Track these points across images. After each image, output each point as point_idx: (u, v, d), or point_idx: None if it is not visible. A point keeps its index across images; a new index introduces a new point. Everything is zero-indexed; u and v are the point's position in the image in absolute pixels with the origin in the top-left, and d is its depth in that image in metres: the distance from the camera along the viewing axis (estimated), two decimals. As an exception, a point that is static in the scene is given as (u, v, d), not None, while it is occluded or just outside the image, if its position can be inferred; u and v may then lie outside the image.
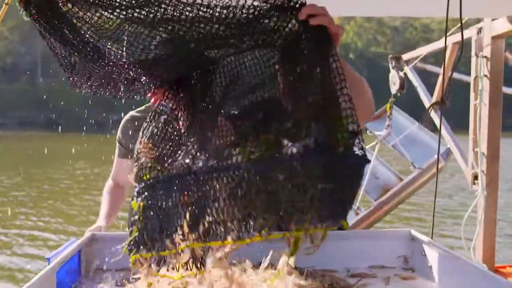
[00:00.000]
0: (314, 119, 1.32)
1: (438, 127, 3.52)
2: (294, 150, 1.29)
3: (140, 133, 1.53)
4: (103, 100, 1.52)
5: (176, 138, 1.47)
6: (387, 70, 5.12)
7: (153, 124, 1.50)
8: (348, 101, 1.30)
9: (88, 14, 1.30)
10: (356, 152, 1.32)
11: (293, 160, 1.27)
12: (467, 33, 3.53)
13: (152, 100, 1.59)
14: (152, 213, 1.40)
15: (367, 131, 5.04)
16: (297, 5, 1.38)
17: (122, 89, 1.49)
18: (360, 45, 52.30)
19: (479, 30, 3.56)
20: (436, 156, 3.96)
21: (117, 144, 2.40)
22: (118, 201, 2.38)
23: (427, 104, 4.46)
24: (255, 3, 1.34)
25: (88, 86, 1.47)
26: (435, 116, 4.28)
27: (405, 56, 5.05)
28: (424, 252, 1.81)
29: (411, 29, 53.37)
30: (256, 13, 1.35)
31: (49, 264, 1.57)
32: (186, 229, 1.31)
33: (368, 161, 1.37)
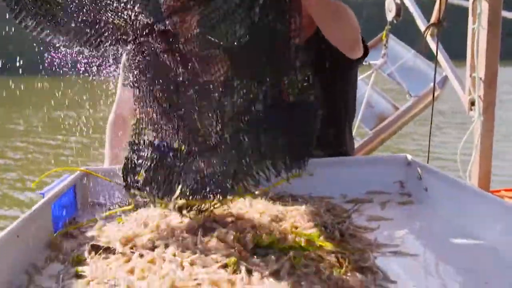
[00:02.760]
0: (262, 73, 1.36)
1: (435, 52, 3.45)
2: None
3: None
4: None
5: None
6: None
7: None
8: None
9: None
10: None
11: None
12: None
13: None
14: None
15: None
16: None
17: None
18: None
19: (478, -51, 3.41)
20: (432, 85, 3.92)
21: (121, 71, 2.06)
22: (122, 137, 2.28)
23: (423, 29, 4.35)
24: None
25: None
26: (431, 42, 4.18)
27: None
28: (420, 176, 1.81)
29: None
30: None
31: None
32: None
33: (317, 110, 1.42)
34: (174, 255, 1.27)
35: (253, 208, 1.55)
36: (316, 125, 1.39)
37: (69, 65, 1.50)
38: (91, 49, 1.38)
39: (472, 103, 3.43)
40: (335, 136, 2.14)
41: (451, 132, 9.49)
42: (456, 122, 10.07)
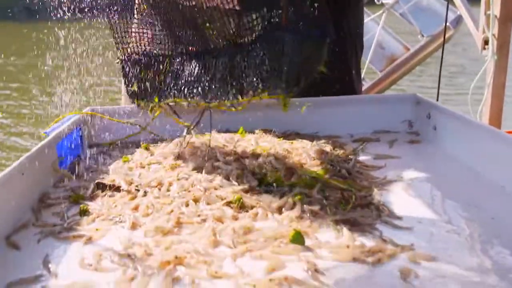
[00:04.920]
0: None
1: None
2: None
3: None
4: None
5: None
6: None
7: None
8: None
9: None
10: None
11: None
12: None
13: None
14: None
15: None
16: None
17: None
18: None
19: None
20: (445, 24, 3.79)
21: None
22: None
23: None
24: None
25: None
26: (446, -21, 4.02)
27: None
28: (429, 114, 1.77)
29: None
30: None
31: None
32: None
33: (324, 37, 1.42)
34: (179, 192, 1.27)
35: (259, 146, 1.53)
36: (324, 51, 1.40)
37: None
38: None
39: (486, 42, 3.32)
40: (341, 70, 2.05)
41: (463, 70, 9.29)
42: (470, 63, 9.83)
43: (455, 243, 1.05)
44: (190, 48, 1.51)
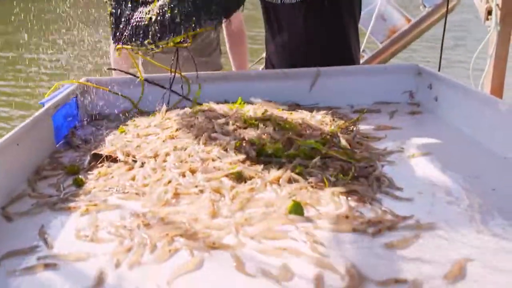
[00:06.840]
0: None
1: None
2: None
3: None
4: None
5: None
6: None
7: None
8: None
9: None
10: None
11: None
12: None
13: None
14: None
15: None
16: None
17: None
18: None
19: None
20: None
21: None
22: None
23: None
24: None
25: None
26: None
27: None
28: (431, 85, 1.74)
29: None
30: None
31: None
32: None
33: None
34: (176, 163, 1.25)
35: (257, 116, 1.51)
36: None
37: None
38: None
39: (489, 12, 3.26)
40: (340, 37, 2.00)
41: (466, 41, 9.19)
42: (473, 32, 9.70)
43: (456, 214, 1.04)
44: None
